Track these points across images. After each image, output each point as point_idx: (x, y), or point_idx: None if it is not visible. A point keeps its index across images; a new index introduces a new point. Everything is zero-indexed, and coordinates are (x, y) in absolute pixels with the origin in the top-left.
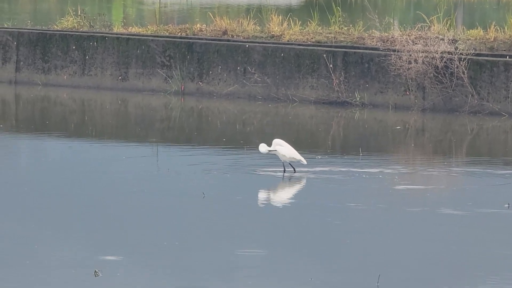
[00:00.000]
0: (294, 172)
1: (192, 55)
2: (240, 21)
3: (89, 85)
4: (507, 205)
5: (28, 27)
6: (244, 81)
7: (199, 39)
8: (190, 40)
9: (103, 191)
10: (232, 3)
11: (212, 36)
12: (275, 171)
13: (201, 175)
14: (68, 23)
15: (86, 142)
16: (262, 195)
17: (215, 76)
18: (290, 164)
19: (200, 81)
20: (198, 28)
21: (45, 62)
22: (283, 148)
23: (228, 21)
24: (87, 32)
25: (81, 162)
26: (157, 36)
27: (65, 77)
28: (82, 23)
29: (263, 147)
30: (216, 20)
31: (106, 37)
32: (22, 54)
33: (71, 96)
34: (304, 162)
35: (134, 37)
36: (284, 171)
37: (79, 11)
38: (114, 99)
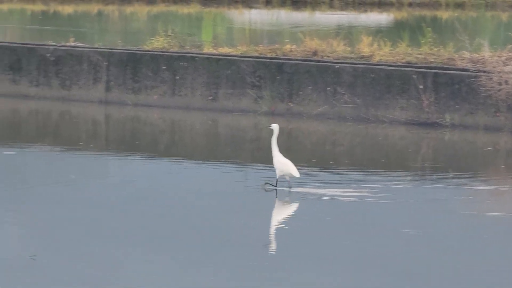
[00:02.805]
0: (289, 189)
1: (282, 76)
2: (330, 41)
3: (179, 106)
4: None
5: (118, 47)
6: (334, 102)
7: (289, 59)
8: (280, 61)
9: (192, 211)
10: (322, 24)
11: (302, 57)
12: (361, 190)
13: (291, 196)
14: (158, 43)
15: (176, 162)
16: (347, 217)
17: (305, 96)
18: (277, 181)
19: (290, 102)
20: (288, 49)
21: (136, 82)
22: (276, 159)
23: (318, 42)
24: (177, 53)
25: (172, 183)
26: (247, 57)
27: (155, 97)
28: (172, 44)
29: (275, 126)
30: (306, 41)
31: (196, 57)
32: (112, 74)
33: (161, 116)
34: (296, 175)
35: (224, 57)
36: (290, 187)
37: (169, 31)
38: (204, 120)
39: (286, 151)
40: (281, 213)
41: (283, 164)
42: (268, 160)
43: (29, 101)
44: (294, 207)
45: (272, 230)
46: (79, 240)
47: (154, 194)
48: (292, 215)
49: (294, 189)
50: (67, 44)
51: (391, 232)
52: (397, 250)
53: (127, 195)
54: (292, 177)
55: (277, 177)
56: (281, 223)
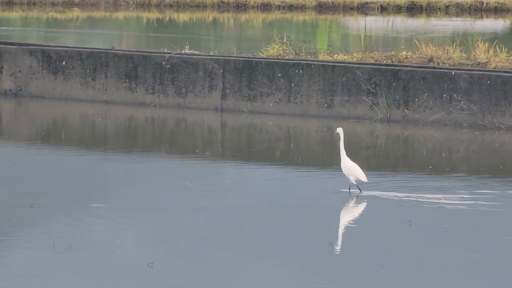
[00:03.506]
0: (359, 192)
1: (398, 82)
2: (446, 48)
3: (295, 113)
4: None
5: (234, 55)
6: (450, 109)
7: (405, 66)
8: (395, 68)
9: (310, 220)
10: (437, 30)
11: (417, 64)
12: (476, 197)
13: (406, 203)
14: (273, 50)
15: (292, 169)
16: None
17: (420, 103)
18: (357, 185)
19: (406, 109)
20: (404, 56)
21: (251, 89)
22: (342, 163)
23: (434, 48)
24: (292, 60)
25: (287, 190)
26: (363, 64)
27: (270, 104)
28: (287, 51)
29: (340, 130)
30: (421, 47)
31: (311, 64)
32: (228, 81)
33: (277, 123)
34: (364, 180)
35: (340, 64)
36: (360, 190)
37: (284, 39)
38: (319, 127)
39: (402, 158)
40: (390, 220)
41: (349, 169)
42: (383, 166)
43: (145, 108)
44: (404, 214)
45: (381, 237)
46: (195, 248)
47: (270, 201)
48: (403, 222)
49: (405, 195)
50: (183, 51)
51: (502, 240)
52: (509, 259)
53: (243, 202)
54: (359, 181)
55: (352, 182)
56: (390, 230)
